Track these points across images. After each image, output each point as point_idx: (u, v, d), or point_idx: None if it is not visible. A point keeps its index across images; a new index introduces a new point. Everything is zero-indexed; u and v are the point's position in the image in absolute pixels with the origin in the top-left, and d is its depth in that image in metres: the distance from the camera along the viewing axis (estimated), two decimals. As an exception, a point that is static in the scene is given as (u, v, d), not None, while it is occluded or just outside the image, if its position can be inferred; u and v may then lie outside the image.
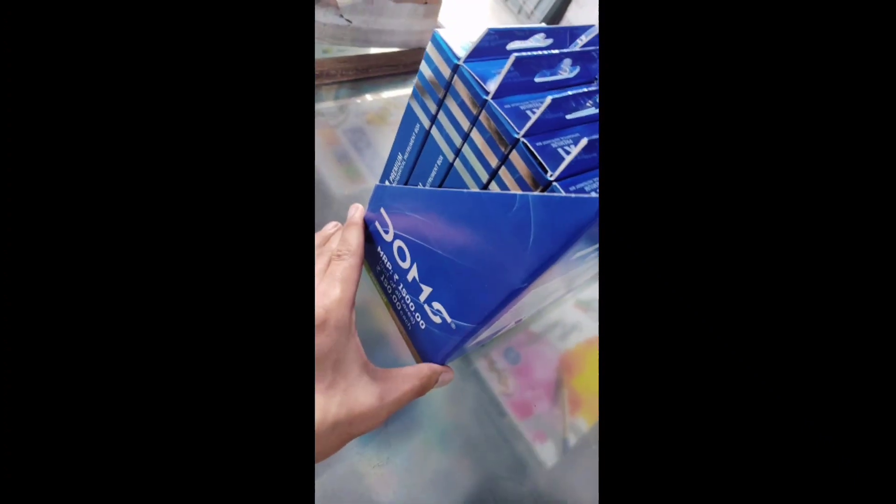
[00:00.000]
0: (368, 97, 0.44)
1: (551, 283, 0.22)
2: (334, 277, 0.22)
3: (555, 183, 0.17)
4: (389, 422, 0.29)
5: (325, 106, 0.41)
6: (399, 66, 0.44)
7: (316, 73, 0.39)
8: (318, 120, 0.39)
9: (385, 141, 0.40)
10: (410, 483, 0.27)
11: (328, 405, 0.19)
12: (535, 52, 0.19)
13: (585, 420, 0.31)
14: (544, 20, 0.70)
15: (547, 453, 0.30)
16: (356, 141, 0.39)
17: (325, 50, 0.47)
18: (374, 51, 0.45)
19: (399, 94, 0.44)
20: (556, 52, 0.20)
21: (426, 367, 0.24)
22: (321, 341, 0.20)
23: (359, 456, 0.27)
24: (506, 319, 0.24)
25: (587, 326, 0.36)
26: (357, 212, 0.27)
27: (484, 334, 0.25)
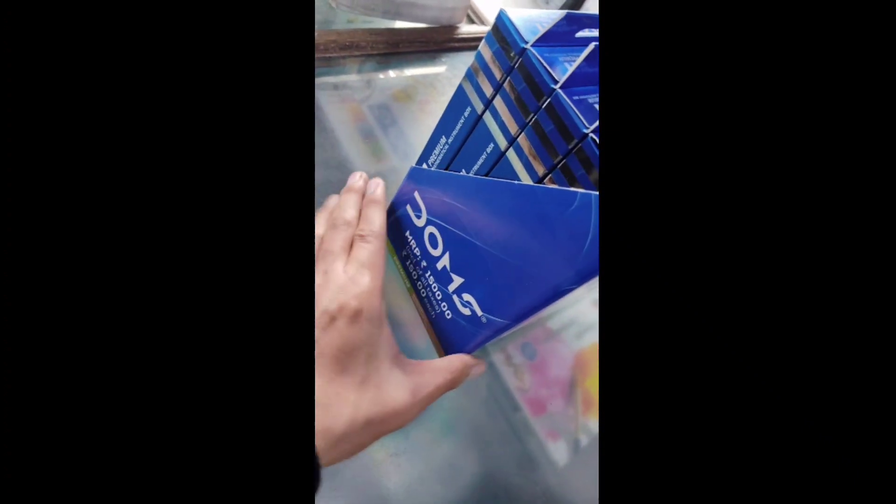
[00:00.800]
0: (392, 73, 0.42)
1: None
2: (362, 263, 0.21)
3: None
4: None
5: (351, 79, 0.40)
6: (429, 44, 0.42)
7: (345, 44, 0.38)
8: (343, 93, 0.38)
9: (411, 120, 0.39)
10: (419, 472, 0.27)
11: (360, 402, 0.18)
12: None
13: (597, 421, 0.31)
14: (563, 7, 0.68)
15: (559, 452, 0.29)
16: (381, 118, 0.38)
17: (350, 20, 0.46)
18: (400, 25, 0.44)
19: (426, 73, 0.43)
20: None
21: (458, 360, 0.23)
22: (353, 334, 0.19)
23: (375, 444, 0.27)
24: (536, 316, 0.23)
25: (592, 330, 0.36)
26: (378, 188, 0.26)
27: (511, 330, 0.24)
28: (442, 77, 0.43)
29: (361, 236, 0.22)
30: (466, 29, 0.45)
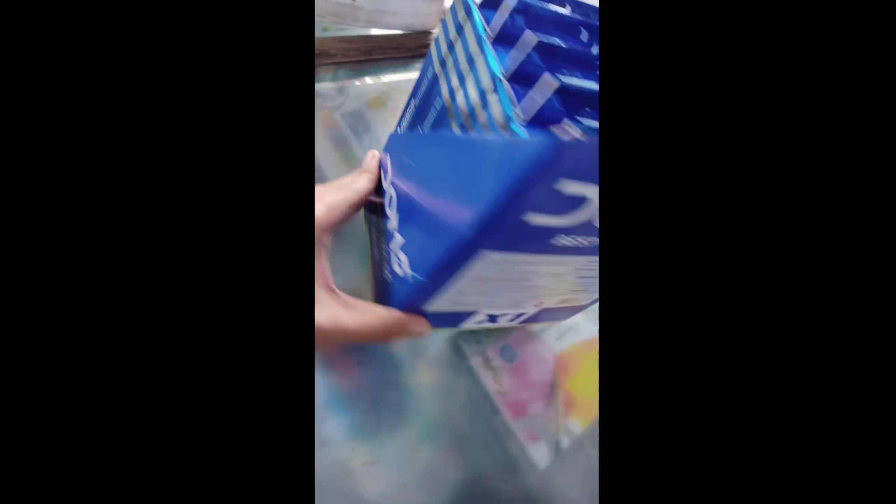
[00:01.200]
0: (368, 80, 0.42)
1: (553, 267, 0.19)
2: (323, 201, 0.21)
3: (522, 126, 0.15)
4: (381, 416, 0.28)
5: (324, 87, 0.40)
6: (402, 50, 0.42)
7: (321, 51, 0.38)
8: (315, 101, 0.38)
9: (385, 127, 0.39)
10: (399, 479, 0.27)
11: None
12: (547, 6, 0.18)
13: (579, 421, 0.31)
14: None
15: (539, 454, 0.29)
16: (355, 125, 0.38)
17: (325, 28, 0.46)
18: (375, 32, 0.44)
19: (401, 79, 0.43)
20: (572, 16, 0.19)
21: (396, 314, 0.21)
22: None
23: (350, 452, 0.26)
24: (509, 297, 0.21)
25: (583, 327, 0.36)
26: (374, 160, 0.26)
27: (481, 313, 0.23)
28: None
29: (337, 188, 0.23)
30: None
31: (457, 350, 0.31)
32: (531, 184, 0.13)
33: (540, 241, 0.16)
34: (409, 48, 0.42)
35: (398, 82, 0.43)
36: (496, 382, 0.30)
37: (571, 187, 0.14)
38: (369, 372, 0.29)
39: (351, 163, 0.36)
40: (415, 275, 0.20)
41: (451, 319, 0.24)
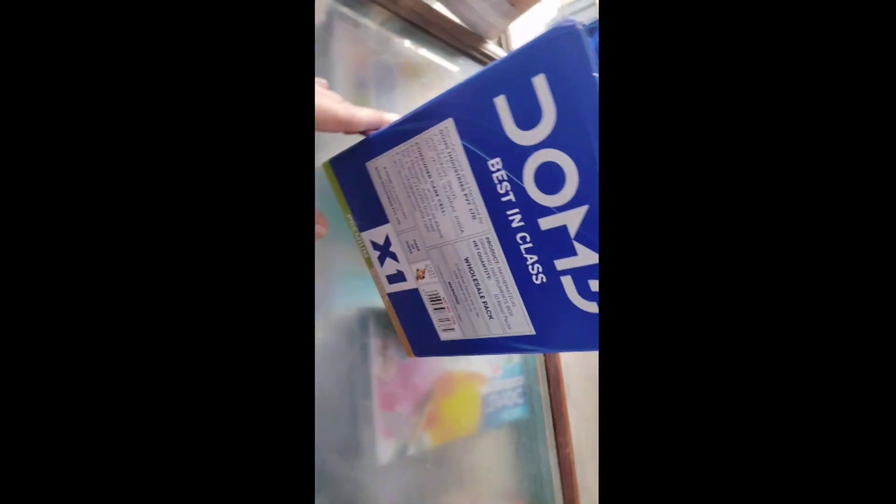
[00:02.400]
0: (408, 43, 0.42)
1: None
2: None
3: None
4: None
5: (370, 24, 0.39)
6: (455, 40, 0.43)
7: (384, -9, 0.37)
8: (356, 33, 0.37)
9: (407, 94, 0.39)
10: None
11: None
12: None
13: (432, 439, 0.33)
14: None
15: (386, 450, 0.30)
16: (381, 77, 0.38)
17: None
18: (440, 8, 0.44)
19: (439, 62, 0.43)
20: None
21: (378, 113, 0.26)
22: None
23: None
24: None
25: (475, 360, 0.38)
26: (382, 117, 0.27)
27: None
28: (453, 75, 0.44)
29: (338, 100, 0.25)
30: (491, 47, 0.46)
31: (363, 324, 0.31)
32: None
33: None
34: (462, 42, 0.43)
35: (437, 64, 0.43)
36: (382, 370, 0.31)
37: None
38: None
39: (360, 104, 0.35)
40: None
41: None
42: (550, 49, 0.18)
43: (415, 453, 0.31)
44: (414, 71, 0.40)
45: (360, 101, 0.35)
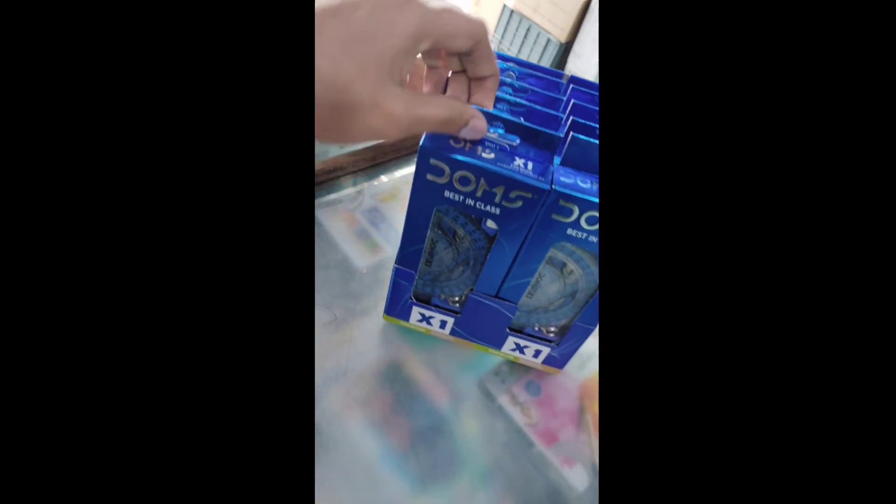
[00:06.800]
0: (384, 178, 0.50)
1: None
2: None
3: None
4: (437, 468, 0.31)
5: (345, 193, 0.48)
6: (402, 150, 0.50)
7: (329, 169, 0.46)
8: (338, 206, 0.45)
9: (398, 214, 0.46)
10: None
11: (363, 83, 0.18)
12: None
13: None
14: (552, 64, 0.76)
15: (577, 477, 0.31)
16: (373, 218, 0.45)
17: (342, 146, 0.55)
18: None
19: (406, 173, 0.51)
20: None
21: (458, 101, 0.22)
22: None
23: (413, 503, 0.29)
24: None
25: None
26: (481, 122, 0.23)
27: None
28: (419, 173, 0.51)
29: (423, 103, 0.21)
30: (434, 129, 0.54)
31: (486, 393, 0.34)
32: None
33: None
34: (406, 147, 0.50)
35: (404, 176, 0.50)
36: (525, 416, 0.33)
37: None
38: (417, 429, 0.32)
39: (373, 249, 0.42)
40: None
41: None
42: None
43: (606, 464, 0.32)
44: (392, 195, 0.48)
45: (369, 246, 0.42)
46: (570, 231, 0.25)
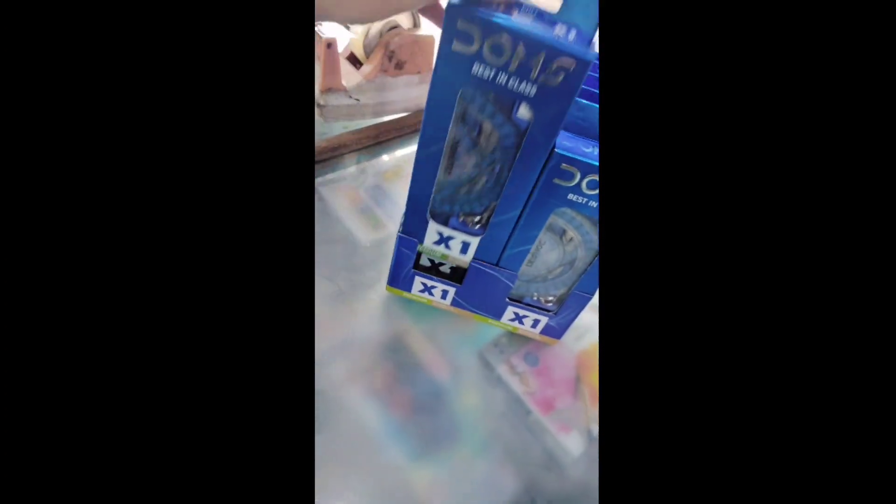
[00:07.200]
0: (385, 157, 0.51)
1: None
2: None
3: None
4: (430, 435, 0.32)
5: (348, 171, 0.48)
6: (405, 128, 0.51)
7: (333, 147, 0.47)
8: (342, 184, 0.46)
9: (401, 192, 0.46)
10: (461, 491, 0.30)
11: None
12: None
13: (608, 410, 0.34)
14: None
15: (573, 443, 0.32)
16: (376, 196, 0.46)
17: (345, 126, 0.56)
18: (383, 119, 0.53)
19: (409, 152, 0.51)
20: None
21: None
22: None
23: (414, 473, 0.30)
24: None
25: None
26: None
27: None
28: (422, 151, 0.51)
29: None
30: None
31: (485, 364, 0.35)
32: None
33: None
34: (409, 125, 0.51)
35: (407, 154, 0.51)
36: (523, 384, 0.34)
37: None
38: (418, 398, 0.33)
39: (376, 225, 0.43)
40: None
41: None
42: None
43: (599, 431, 0.33)
44: (395, 173, 0.48)
45: (372, 222, 0.43)
46: (570, 196, 0.25)
